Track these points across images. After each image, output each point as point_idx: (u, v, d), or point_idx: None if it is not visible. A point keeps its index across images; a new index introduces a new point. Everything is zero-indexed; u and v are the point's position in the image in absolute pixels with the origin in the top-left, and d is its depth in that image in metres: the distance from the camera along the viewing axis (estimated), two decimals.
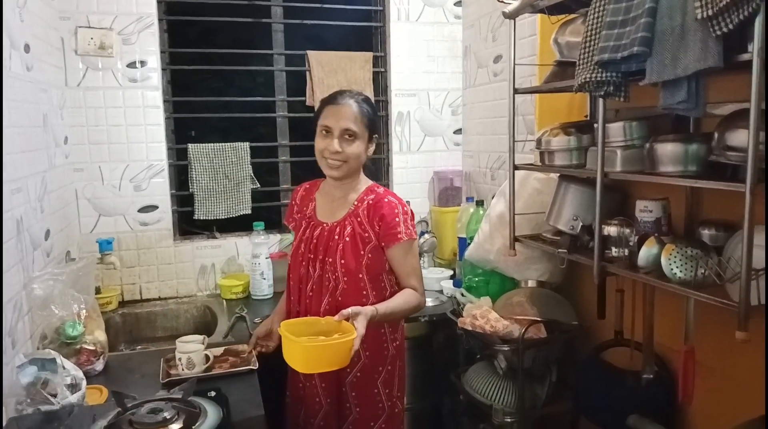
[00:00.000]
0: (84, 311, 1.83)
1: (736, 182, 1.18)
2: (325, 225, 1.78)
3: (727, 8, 1.12)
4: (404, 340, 1.89)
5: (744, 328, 1.16)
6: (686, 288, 1.33)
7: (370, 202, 1.76)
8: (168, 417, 1.23)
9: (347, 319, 1.51)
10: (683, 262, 1.35)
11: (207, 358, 1.78)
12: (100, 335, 1.87)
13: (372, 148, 1.80)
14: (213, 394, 1.41)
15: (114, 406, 1.32)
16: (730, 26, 1.13)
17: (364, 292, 1.71)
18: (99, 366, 1.82)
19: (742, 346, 1.35)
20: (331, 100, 1.76)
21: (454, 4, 2.98)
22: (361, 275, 1.71)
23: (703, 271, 1.32)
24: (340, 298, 1.71)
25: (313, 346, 1.40)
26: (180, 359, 1.75)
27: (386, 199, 1.76)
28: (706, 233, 1.46)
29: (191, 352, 1.74)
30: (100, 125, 2.52)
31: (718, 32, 1.14)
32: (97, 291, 2.44)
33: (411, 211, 1.80)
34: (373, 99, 2.87)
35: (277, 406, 1.85)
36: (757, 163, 1.13)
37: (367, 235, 1.72)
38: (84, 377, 1.53)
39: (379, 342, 1.77)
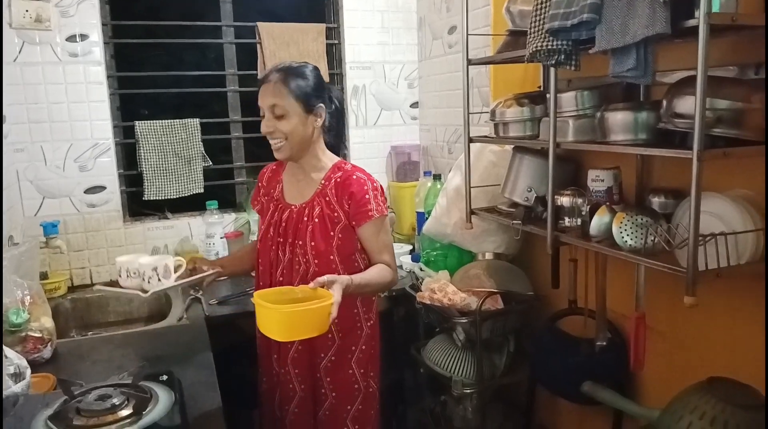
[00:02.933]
0: (28, 297, 1.76)
1: (684, 149, 1.18)
2: (293, 207, 1.72)
3: None
4: (378, 319, 1.85)
5: (692, 294, 1.18)
6: (637, 255, 1.34)
7: (338, 179, 1.70)
8: (117, 403, 1.18)
9: (322, 287, 1.46)
10: (633, 230, 1.36)
11: (178, 264, 1.68)
12: (47, 322, 1.79)
13: (319, 120, 1.68)
14: (164, 378, 1.37)
15: (60, 394, 1.27)
16: None
17: (337, 274, 1.67)
18: (47, 353, 1.75)
19: (692, 311, 1.38)
20: (263, 79, 1.68)
21: None
22: (332, 257, 1.67)
23: (652, 238, 1.33)
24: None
25: (292, 312, 1.34)
26: (155, 269, 1.63)
27: (354, 176, 1.70)
28: (656, 201, 1.48)
29: (163, 261, 1.64)
30: (40, 103, 2.40)
31: None
32: (45, 276, 2.35)
33: (381, 186, 1.75)
34: (327, 72, 2.83)
35: (250, 394, 1.82)
36: (704, 130, 1.14)
37: (336, 214, 1.68)
38: (28, 366, 1.47)
39: (352, 321, 1.75)
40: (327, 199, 1.69)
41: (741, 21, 1.16)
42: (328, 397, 1.75)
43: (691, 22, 1.14)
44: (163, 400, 1.25)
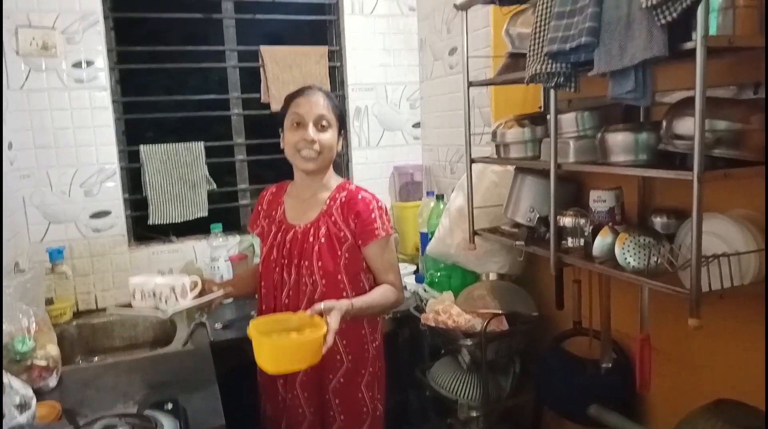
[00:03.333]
0: (34, 325, 1.76)
1: (684, 170, 1.18)
2: (297, 227, 1.73)
3: None
4: (383, 341, 1.86)
5: (696, 316, 1.17)
6: (640, 276, 1.34)
7: (343, 199, 1.72)
8: None
9: (321, 315, 1.46)
10: (636, 250, 1.36)
11: (194, 283, 1.68)
12: (53, 349, 1.79)
13: (341, 143, 1.77)
14: (170, 406, 1.37)
15: (66, 424, 1.27)
16: (674, 15, 1.13)
17: (344, 294, 1.68)
18: (52, 382, 1.75)
19: (698, 332, 1.37)
20: (299, 93, 1.72)
21: None
22: (340, 276, 1.68)
23: (655, 259, 1.33)
24: None
25: (281, 345, 1.35)
26: (173, 288, 1.62)
27: (360, 196, 1.72)
28: (658, 221, 1.48)
29: (180, 280, 1.64)
30: (46, 128, 2.43)
31: (663, 21, 1.15)
32: (50, 302, 2.35)
33: (385, 206, 1.77)
34: None
35: (248, 421, 1.81)
36: (704, 151, 1.14)
37: (342, 234, 1.69)
38: (34, 395, 1.47)
39: (360, 344, 1.75)
40: (333, 218, 1.70)
41: (738, 43, 1.17)
42: (337, 420, 1.74)
43: (689, 45, 1.14)
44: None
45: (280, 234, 1.75)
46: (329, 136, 1.68)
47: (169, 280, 1.67)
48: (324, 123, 1.67)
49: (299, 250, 1.70)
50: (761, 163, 1.23)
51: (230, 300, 2.55)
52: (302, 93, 1.71)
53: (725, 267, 1.22)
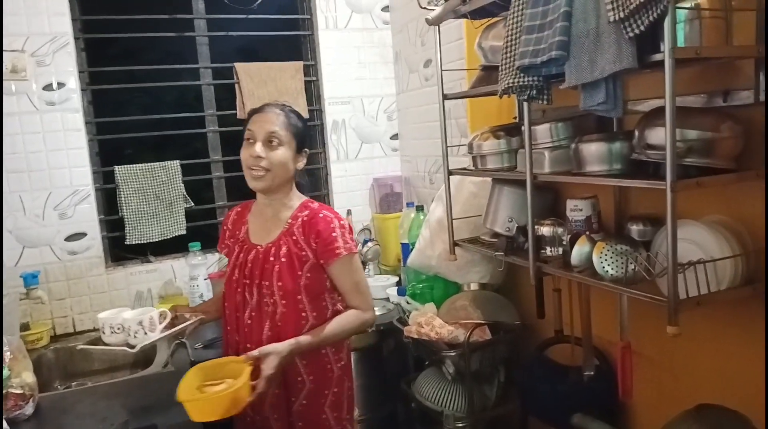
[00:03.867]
0: (8, 353, 1.72)
1: (657, 180, 1.20)
2: (259, 247, 1.71)
3: (637, 10, 1.14)
4: (350, 360, 1.83)
5: (674, 323, 1.19)
6: (618, 285, 1.35)
7: (305, 218, 1.69)
8: None
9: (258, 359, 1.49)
10: (614, 259, 1.37)
11: (163, 315, 1.69)
12: (28, 377, 1.75)
13: (302, 161, 1.72)
14: None
15: None
16: (642, 28, 1.15)
17: (303, 315, 1.65)
18: (28, 410, 1.70)
19: (678, 339, 1.39)
20: (258, 109, 1.70)
21: (382, 10, 2.98)
22: (299, 297, 1.64)
23: (633, 267, 1.34)
24: (279, 324, 1.64)
25: (192, 402, 1.38)
26: (140, 322, 1.62)
27: (321, 214, 1.69)
28: (634, 229, 1.49)
29: (148, 313, 1.65)
30: (18, 152, 2.39)
31: (631, 34, 1.17)
32: (26, 327, 2.31)
33: (349, 224, 1.74)
34: (306, 108, 2.85)
35: None
36: (675, 161, 1.15)
37: (304, 253, 1.66)
38: (8, 426, 1.43)
39: (322, 364, 1.71)
40: (294, 238, 1.67)
41: (705, 54, 1.19)
42: None
43: (657, 57, 1.16)
44: None
45: (242, 253, 1.73)
46: (280, 153, 1.64)
47: (136, 314, 1.68)
48: (274, 141, 1.63)
49: (260, 270, 1.67)
50: (733, 170, 1.25)
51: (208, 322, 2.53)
52: (260, 110, 1.70)
53: (701, 273, 1.24)
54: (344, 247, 1.66)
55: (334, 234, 1.66)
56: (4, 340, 1.72)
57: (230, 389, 1.38)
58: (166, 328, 1.69)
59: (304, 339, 1.59)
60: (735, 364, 1.38)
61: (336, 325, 1.66)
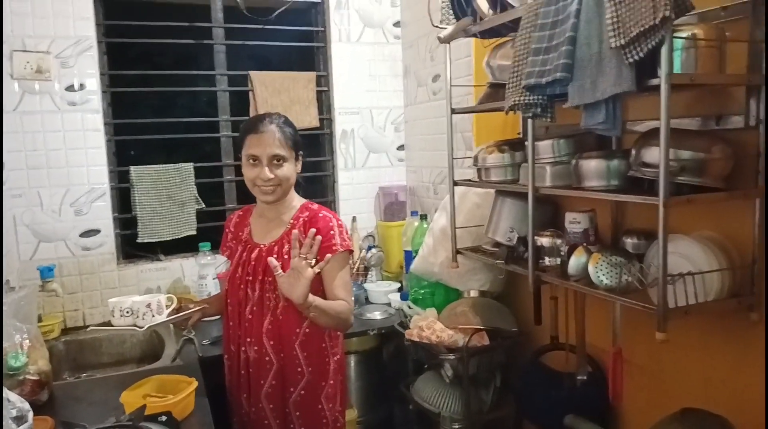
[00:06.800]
0: (27, 341, 1.79)
1: (651, 196, 1.28)
2: (262, 246, 1.81)
3: (637, 38, 1.22)
4: (344, 354, 1.93)
5: (663, 330, 1.26)
6: (612, 294, 1.43)
7: (306, 218, 1.80)
8: None
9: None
10: (609, 269, 1.45)
11: (170, 300, 1.79)
12: (44, 365, 1.83)
13: (299, 165, 1.82)
14: (164, 418, 1.42)
15: None
16: (641, 54, 1.23)
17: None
18: (44, 396, 1.78)
19: (667, 345, 1.47)
20: (252, 128, 1.75)
21: (393, 25, 3.08)
22: None
23: (626, 277, 1.42)
24: (281, 317, 1.74)
25: (129, 405, 1.52)
26: (149, 305, 1.72)
27: (321, 214, 1.81)
28: (629, 242, 1.57)
29: (156, 298, 1.75)
30: (38, 150, 2.48)
31: (630, 60, 1.25)
32: (39, 319, 2.38)
33: (345, 225, 1.84)
34: (317, 117, 2.94)
35: None
36: (669, 179, 1.24)
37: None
38: (30, 408, 1.51)
39: (321, 357, 1.81)
40: None
41: (698, 81, 1.28)
42: None
43: (654, 82, 1.25)
44: None
45: (245, 252, 1.83)
46: (286, 169, 1.75)
47: (145, 298, 1.77)
48: (277, 161, 1.73)
49: (263, 266, 1.76)
50: (722, 189, 1.33)
51: (216, 317, 2.60)
52: (255, 128, 1.74)
53: (690, 285, 1.32)
54: (341, 244, 1.76)
55: (332, 232, 1.77)
56: (24, 328, 1.80)
57: (162, 403, 1.52)
58: (172, 313, 1.78)
59: (317, 299, 1.67)
60: (719, 372, 1.46)
61: (337, 304, 1.74)
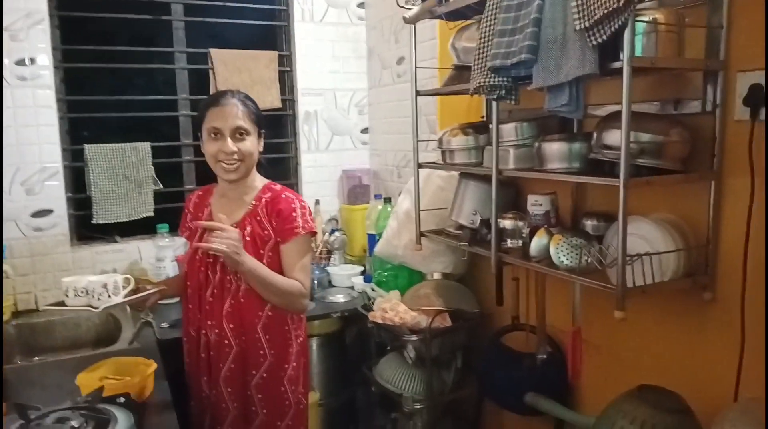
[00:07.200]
0: None
1: (612, 178, 1.31)
2: None
3: (601, 21, 1.24)
4: (307, 337, 1.91)
5: (621, 308, 1.30)
6: (572, 274, 1.46)
7: (268, 199, 1.76)
8: (76, 426, 1.20)
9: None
10: (569, 250, 1.48)
11: (127, 280, 1.72)
12: None
13: (262, 143, 1.79)
14: (122, 400, 1.39)
15: (16, 418, 1.27)
16: (604, 37, 1.25)
17: None
18: None
19: (623, 326, 1.52)
20: (213, 102, 1.72)
21: (357, 6, 3.05)
22: None
23: (586, 258, 1.45)
24: (242, 300, 1.71)
25: (84, 387, 1.50)
26: (105, 285, 1.65)
27: (283, 196, 1.77)
28: (589, 224, 1.61)
29: (112, 278, 1.68)
30: None
31: (594, 42, 1.27)
32: None
33: (309, 206, 1.81)
34: (279, 98, 2.90)
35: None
36: (629, 161, 1.26)
37: (266, 232, 1.73)
38: None
39: (284, 339, 1.79)
40: (258, 218, 1.74)
41: (659, 64, 1.31)
42: (259, 414, 1.77)
43: (617, 64, 1.27)
44: (122, 421, 1.27)
45: (206, 234, 1.78)
46: (249, 143, 1.71)
47: (102, 278, 1.70)
48: (240, 134, 1.70)
49: None
50: (680, 172, 1.37)
51: (176, 299, 2.56)
52: (217, 102, 1.71)
53: (647, 265, 1.35)
54: (303, 227, 1.73)
55: (294, 214, 1.74)
56: None
57: (120, 384, 1.50)
58: (130, 294, 1.72)
59: (258, 263, 1.66)
60: (674, 349, 1.51)
61: (281, 278, 1.72)
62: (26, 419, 1.25)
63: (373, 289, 2.36)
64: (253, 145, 1.73)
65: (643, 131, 1.35)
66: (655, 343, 1.56)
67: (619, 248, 1.29)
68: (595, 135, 1.44)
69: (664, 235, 1.40)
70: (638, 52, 1.30)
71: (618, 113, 1.28)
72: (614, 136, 1.36)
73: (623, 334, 1.65)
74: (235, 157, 1.69)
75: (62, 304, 1.73)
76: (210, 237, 1.59)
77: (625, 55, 1.23)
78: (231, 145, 1.68)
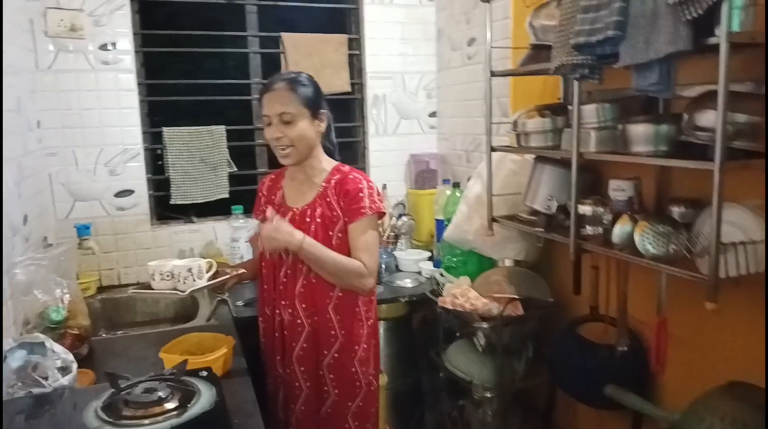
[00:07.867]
0: (67, 296, 1.83)
1: (706, 161, 1.24)
2: (295, 209, 1.79)
3: None
4: (377, 319, 1.92)
5: (713, 300, 1.23)
6: (659, 263, 1.40)
7: (336, 180, 1.78)
8: (163, 396, 1.24)
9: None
10: (655, 238, 1.41)
11: (209, 265, 1.81)
12: (84, 320, 1.86)
13: (322, 124, 1.77)
14: (205, 373, 1.43)
15: (107, 387, 1.33)
16: (699, 11, 1.18)
17: None
18: (84, 350, 1.82)
19: (711, 318, 1.44)
20: (264, 88, 1.75)
21: None
22: None
23: (674, 246, 1.39)
24: (314, 280, 1.74)
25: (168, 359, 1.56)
26: (190, 270, 1.75)
27: (351, 176, 1.78)
28: (676, 210, 1.53)
29: (196, 262, 1.77)
30: (73, 109, 2.49)
31: (688, 17, 1.20)
32: (76, 277, 2.42)
33: (377, 187, 1.80)
34: (348, 82, 2.90)
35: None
36: (725, 143, 1.19)
37: (335, 214, 1.74)
38: (74, 360, 1.54)
39: (354, 321, 1.80)
40: (327, 200, 1.76)
41: (759, 39, 1.22)
42: (331, 394, 1.80)
43: (713, 40, 1.19)
44: (205, 394, 1.30)
45: (279, 215, 1.81)
46: (297, 128, 1.71)
47: (186, 262, 1.78)
48: (286, 118, 1.70)
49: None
50: None
51: (247, 280, 2.62)
52: (267, 88, 1.73)
53: (742, 255, 1.28)
54: (369, 208, 1.73)
55: (361, 194, 1.74)
56: (64, 283, 1.83)
57: (203, 359, 1.56)
58: (211, 278, 1.79)
59: (311, 240, 1.69)
60: (762, 347, 1.42)
61: (342, 257, 1.73)
62: (117, 388, 1.31)
63: (442, 275, 2.34)
64: (303, 128, 1.72)
65: (739, 112, 1.27)
66: (746, 338, 1.48)
67: (713, 236, 1.23)
68: (686, 116, 1.37)
69: (760, 223, 1.32)
70: (735, 28, 1.22)
71: (712, 93, 1.21)
72: (708, 117, 1.29)
73: (710, 327, 1.57)
74: (283, 142, 1.71)
75: (148, 286, 1.82)
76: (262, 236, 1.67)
77: (722, 31, 1.16)
78: (275, 131, 1.71)
